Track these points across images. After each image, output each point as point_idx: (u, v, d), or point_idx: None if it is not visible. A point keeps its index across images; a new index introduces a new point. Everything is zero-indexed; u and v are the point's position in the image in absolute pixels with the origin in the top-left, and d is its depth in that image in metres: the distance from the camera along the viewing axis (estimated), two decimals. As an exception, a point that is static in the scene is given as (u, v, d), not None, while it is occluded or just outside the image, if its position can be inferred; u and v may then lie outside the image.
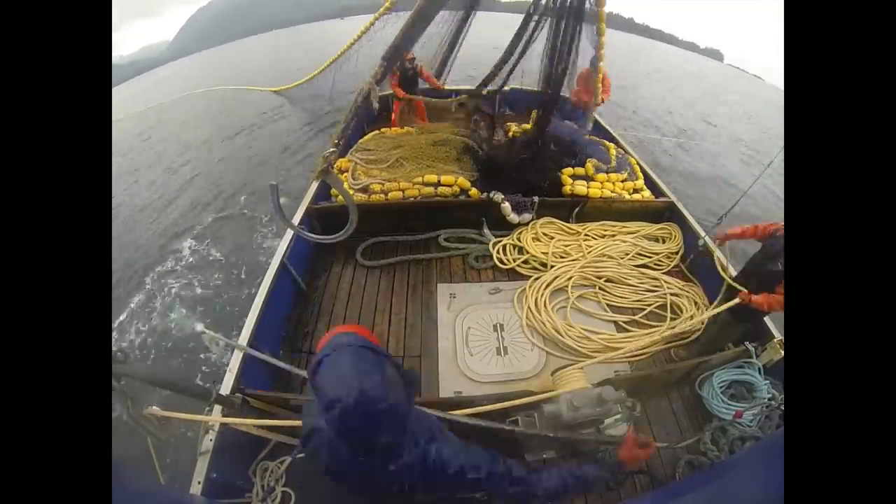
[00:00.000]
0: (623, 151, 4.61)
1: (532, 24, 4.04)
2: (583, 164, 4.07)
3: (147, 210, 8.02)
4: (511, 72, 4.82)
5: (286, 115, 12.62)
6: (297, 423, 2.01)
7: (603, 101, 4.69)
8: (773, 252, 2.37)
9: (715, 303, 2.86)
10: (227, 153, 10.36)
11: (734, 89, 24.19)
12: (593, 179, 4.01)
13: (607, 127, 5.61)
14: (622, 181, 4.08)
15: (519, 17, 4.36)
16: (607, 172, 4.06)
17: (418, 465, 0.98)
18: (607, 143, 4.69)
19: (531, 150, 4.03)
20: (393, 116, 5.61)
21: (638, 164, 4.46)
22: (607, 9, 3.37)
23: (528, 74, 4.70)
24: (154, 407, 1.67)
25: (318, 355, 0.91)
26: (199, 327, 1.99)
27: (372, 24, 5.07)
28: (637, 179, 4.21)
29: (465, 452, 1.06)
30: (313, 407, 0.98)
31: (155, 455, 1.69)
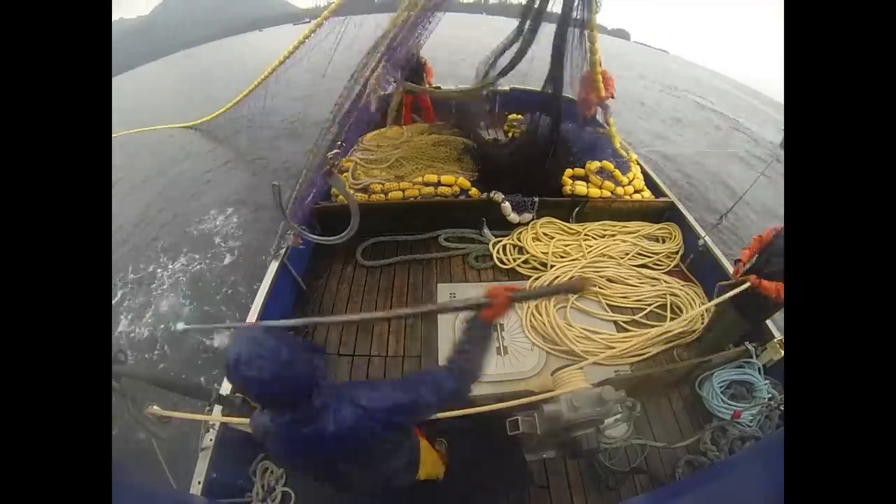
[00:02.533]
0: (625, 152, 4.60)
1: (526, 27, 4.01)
2: (583, 166, 4.07)
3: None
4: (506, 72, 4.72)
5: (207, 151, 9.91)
6: None
7: (610, 98, 4.66)
8: (777, 250, 2.38)
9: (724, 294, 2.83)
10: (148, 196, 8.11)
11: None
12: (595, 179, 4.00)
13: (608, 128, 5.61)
14: (630, 182, 4.08)
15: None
16: (613, 176, 4.05)
17: (350, 421, 1.06)
18: (618, 137, 4.69)
19: (538, 152, 3.98)
20: (405, 111, 5.46)
21: (638, 163, 4.45)
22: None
23: (527, 76, 4.63)
24: (154, 406, 1.67)
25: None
26: (180, 326, 2.01)
27: (314, 30, 4.59)
28: (629, 172, 4.19)
29: (387, 390, 1.16)
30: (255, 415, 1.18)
31: (160, 454, 1.69)
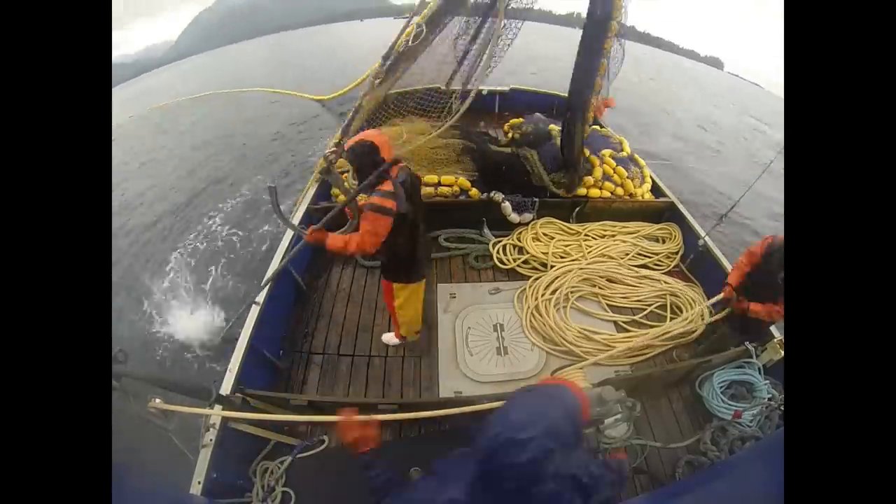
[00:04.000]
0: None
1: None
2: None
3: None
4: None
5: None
6: (300, 418, 2.03)
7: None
8: (778, 261, 2.32)
9: (715, 314, 2.81)
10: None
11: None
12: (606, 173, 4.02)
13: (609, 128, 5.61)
14: (627, 178, 4.08)
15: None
16: (614, 168, 4.06)
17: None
18: (618, 136, 4.71)
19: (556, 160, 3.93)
20: None
21: (644, 167, 4.46)
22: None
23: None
24: (157, 399, 1.67)
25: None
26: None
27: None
28: (644, 183, 4.21)
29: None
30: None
31: (176, 439, 1.70)
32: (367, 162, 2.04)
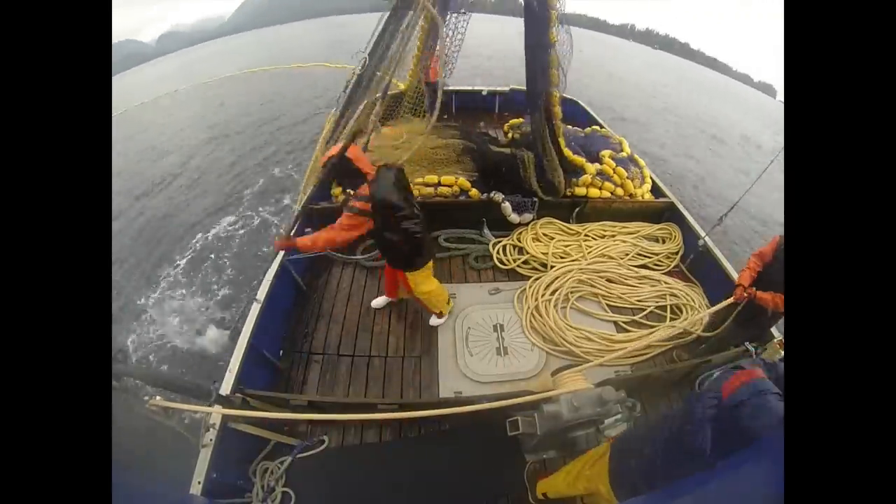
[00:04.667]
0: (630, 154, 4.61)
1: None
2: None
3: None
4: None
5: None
6: (300, 417, 2.03)
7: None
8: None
9: (721, 305, 2.76)
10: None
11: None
12: (603, 174, 4.03)
13: (609, 129, 5.62)
14: (627, 178, 4.08)
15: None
16: (614, 168, 4.07)
17: None
18: (618, 136, 4.72)
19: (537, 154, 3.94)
20: None
21: (644, 167, 4.46)
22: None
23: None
24: (157, 397, 1.67)
25: (742, 395, 1.20)
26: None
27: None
28: (644, 183, 4.22)
29: None
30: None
31: (183, 430, 1.70)
32: (344, 172, 2.26)
